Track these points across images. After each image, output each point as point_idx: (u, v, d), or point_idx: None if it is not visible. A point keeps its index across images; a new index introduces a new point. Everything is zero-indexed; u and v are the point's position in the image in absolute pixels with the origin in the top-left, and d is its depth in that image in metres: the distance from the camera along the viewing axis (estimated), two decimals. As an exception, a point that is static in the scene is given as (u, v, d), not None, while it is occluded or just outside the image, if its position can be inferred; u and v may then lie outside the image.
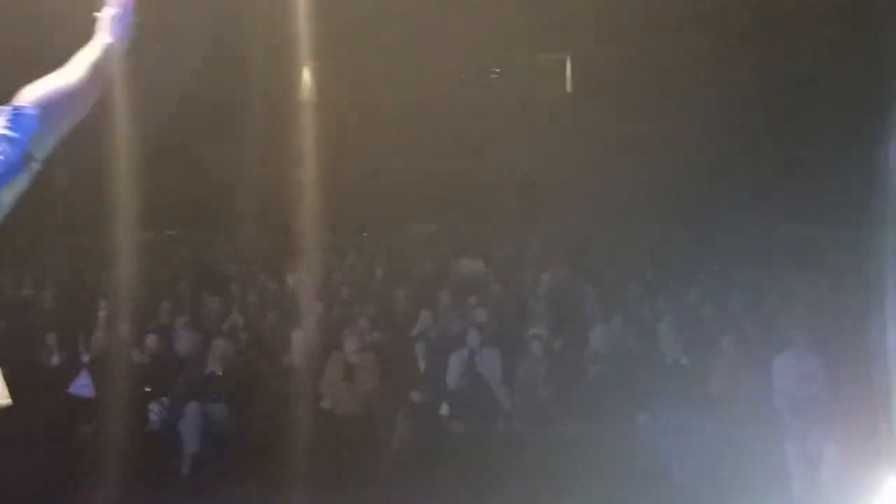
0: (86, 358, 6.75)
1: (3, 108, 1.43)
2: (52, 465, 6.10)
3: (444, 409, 6.44)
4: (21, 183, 1.41)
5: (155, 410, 6.47)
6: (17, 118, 1.41)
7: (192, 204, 18.74)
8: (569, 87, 22.84)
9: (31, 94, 1.47)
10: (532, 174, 21.95)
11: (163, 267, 12.84)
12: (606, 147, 17.48)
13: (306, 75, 23.94)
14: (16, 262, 12.32)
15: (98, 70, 1.60)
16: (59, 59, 1.70)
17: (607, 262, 11.42)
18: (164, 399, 6.55)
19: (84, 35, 1.83)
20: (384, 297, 9.11)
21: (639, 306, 8.14)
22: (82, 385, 6.62)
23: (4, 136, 1.38)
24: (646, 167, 15.10)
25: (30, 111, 1.43)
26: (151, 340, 6.84)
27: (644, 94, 16.68)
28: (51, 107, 1.47)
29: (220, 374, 6.64)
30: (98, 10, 1.77)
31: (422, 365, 6.71)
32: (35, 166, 1.43)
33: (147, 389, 6.62)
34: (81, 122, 1.65)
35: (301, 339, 6.82)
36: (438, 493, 6.02)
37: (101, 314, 9.15)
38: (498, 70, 24.03)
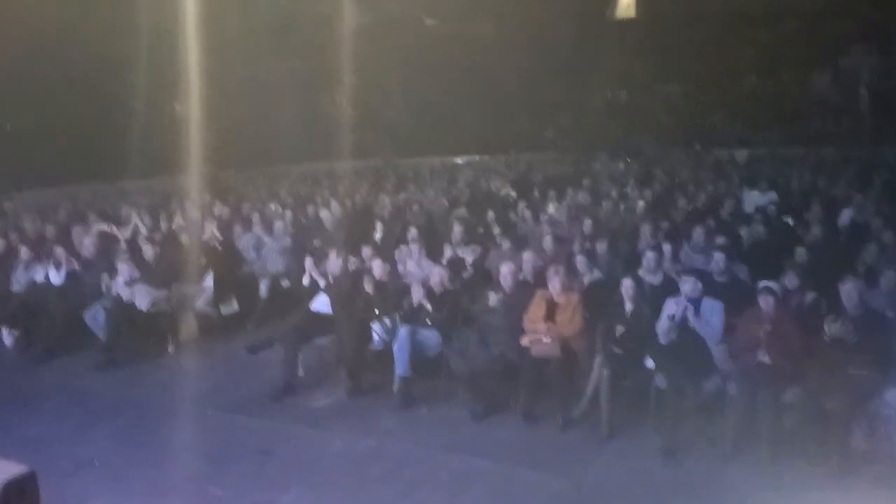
0: (323, 281, 7.42)
1: None
2: (290, 368, 6.98)
3: (650, 363, 5.92)
4: None
5: (378, 331, 6.97)
6: None
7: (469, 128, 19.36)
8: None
9: None
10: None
11: (448, 191, 13.51)
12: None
13: None
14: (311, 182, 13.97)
15: None
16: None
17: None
18: (387, 321, 7.01)
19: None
20: (630, 232, 8.56)
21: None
22: (321, 303, 7.36)
23: None
24: None
25: None
26: (378, 265, 7.27)
27: None
28: None
29: (433, 301, 6.89)
30: None
31: (627, 308, 6.19)
32: None
33: (376, 311, 7.14)
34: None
35: (508, 272, 6.73)
36: (626, 449, 5.66)
37: (377, 235, 10.06)
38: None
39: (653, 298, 6.36)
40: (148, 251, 8.48)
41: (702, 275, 6.33)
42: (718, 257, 6.85)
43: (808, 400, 5.26)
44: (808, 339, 5.61)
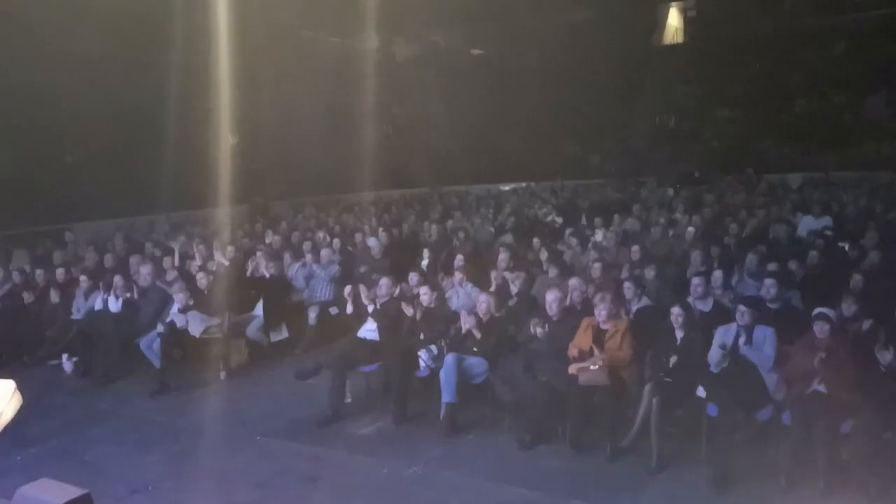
0: (371, 307, 7.49)
1: None
2: (337, 394, 7.03)
3: (701, 391, 5.81)
4: None
5: (424, 357, 6.99)
6: None
7: (515, 155, 19.33)
8: None
9: None
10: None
11: (494, 218, 13.54)
12: None
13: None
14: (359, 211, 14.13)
15: None
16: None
17: None
18: (433, 347, 7.03)
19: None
20: (677, 260, 8.45)
21: None
22: (368, 330, 7.42)
23: None
24: None
25: None
26: (425, 292, 7.31)
27: None
28: None
29: (479, 329, 6.88)
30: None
31: (677, 336, 6.09)
32: None
33: (421, 337, 7.17)
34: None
35: (554, 299, 6.69)
36: (677, 480, 5.54)
37: (423, 262, 10.13)
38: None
39: (703, 326, 6.25)
40: (202, 279, 8.69)
41: (754, 301, 6.19)
42: (770, 283, 6.71)
43: (866, 431, 5.09)
44: (864, 368, 5.44)
